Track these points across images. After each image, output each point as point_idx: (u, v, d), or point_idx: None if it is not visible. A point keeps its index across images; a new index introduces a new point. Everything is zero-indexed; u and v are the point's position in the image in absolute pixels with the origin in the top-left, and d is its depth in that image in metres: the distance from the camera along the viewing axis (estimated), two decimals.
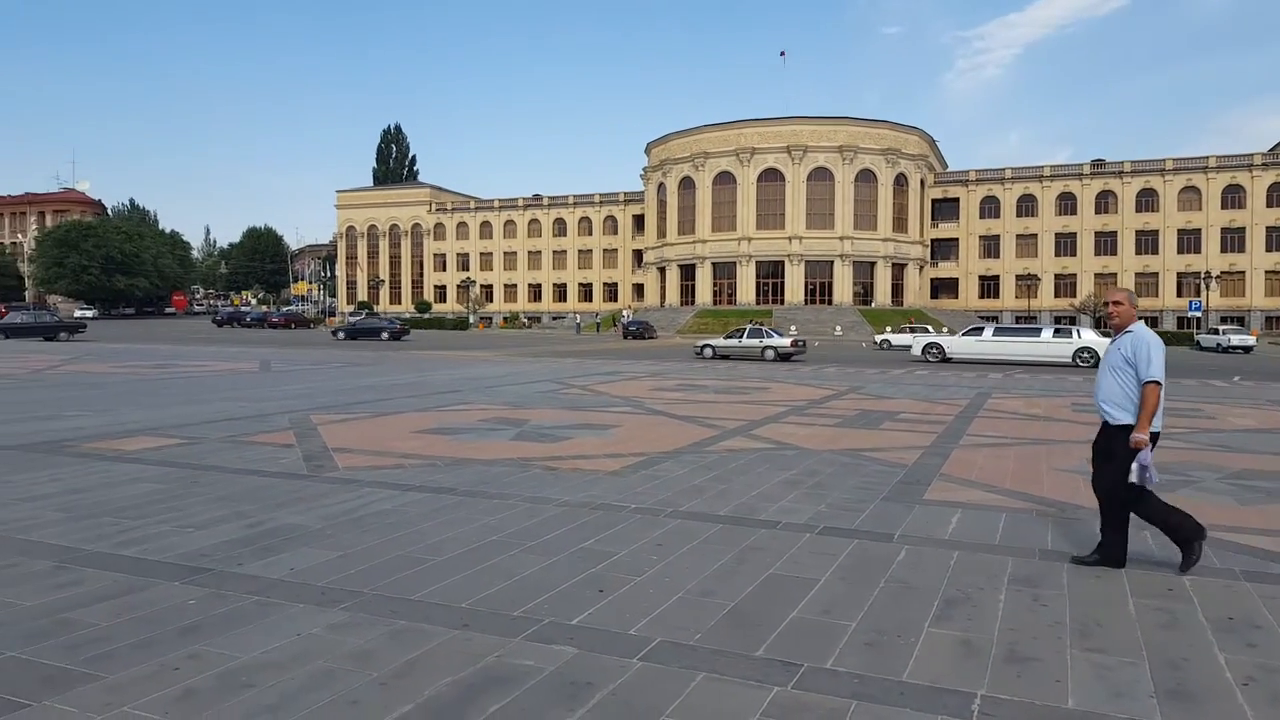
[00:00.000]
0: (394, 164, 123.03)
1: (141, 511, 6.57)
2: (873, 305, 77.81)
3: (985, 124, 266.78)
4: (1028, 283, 78.02)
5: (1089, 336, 30.71)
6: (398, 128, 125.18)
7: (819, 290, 79.36)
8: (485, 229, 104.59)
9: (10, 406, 13.79)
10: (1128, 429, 5.21)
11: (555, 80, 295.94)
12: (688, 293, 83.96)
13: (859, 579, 5.14)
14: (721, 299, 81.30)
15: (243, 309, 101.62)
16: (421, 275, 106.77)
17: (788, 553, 5.66)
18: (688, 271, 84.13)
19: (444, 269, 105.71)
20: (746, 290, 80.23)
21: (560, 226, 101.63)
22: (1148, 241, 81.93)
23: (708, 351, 34.76)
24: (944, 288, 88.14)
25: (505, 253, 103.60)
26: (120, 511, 6.57)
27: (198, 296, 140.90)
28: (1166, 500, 5.70)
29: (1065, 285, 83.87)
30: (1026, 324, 38.26)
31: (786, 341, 33.52)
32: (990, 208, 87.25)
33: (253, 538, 5.83)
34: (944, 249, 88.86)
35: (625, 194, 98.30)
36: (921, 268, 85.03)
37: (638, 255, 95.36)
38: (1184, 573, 5.26)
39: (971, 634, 4.29)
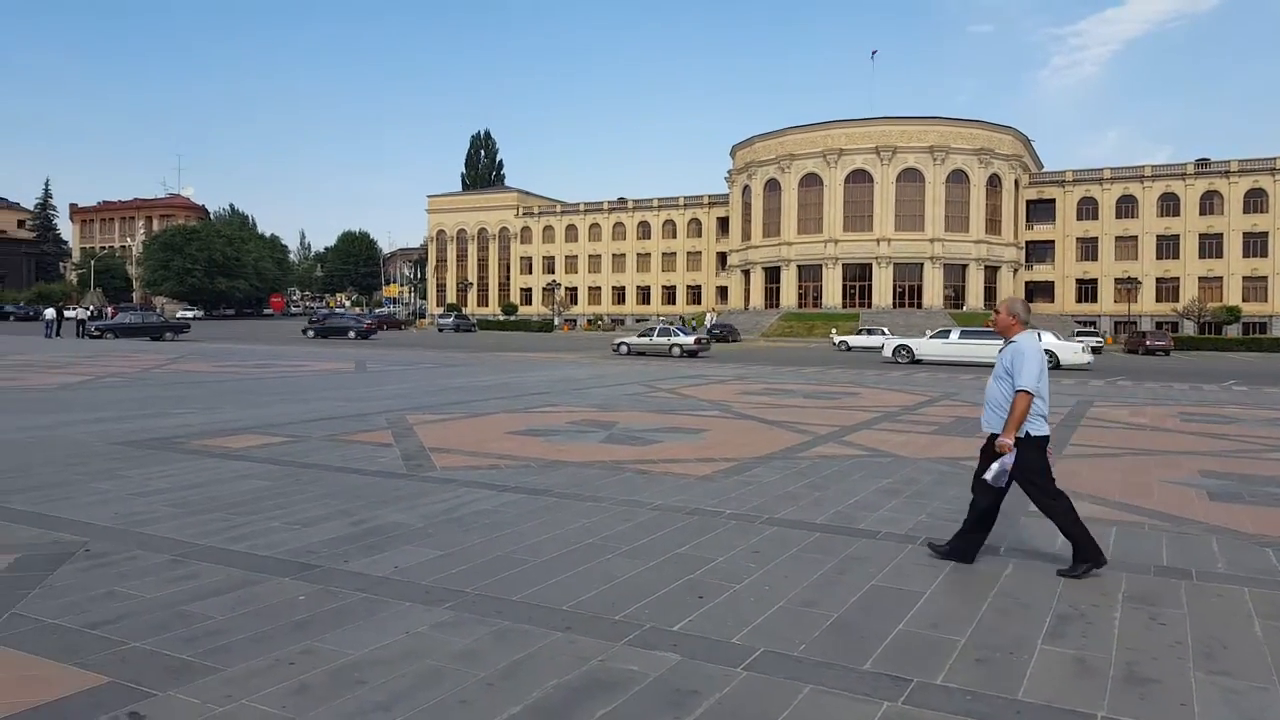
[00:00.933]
0: (483, 169, 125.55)
1: (251, 508, 6.81)
2: (964, 309, 75.72)
3: (1082, 123, 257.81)
4: (1127, 286, 74.77)
5: (1049, 340, 30.28)
6: (487, 133, 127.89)
7: (908, 293, 77.67)
8: (570, 232, 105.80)
9: (122, 404, 14.48)
10: (1029, 440, 5.32)
11: (641, 83, 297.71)
12: (772, 296, 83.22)
13: (966, 593, 4.98)
14: (807, 302, 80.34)
15: (337, 310, 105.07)
16: (509, 278, 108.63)
17: (890, 563, 5.53)
18: (772, 274, 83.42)
19: (530, 272, 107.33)
20: (832, 293, 79.08)
21: (644, 229, 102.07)
22: (1256, 244, 77.74)
23: (623, 348, 38.12)
24: (1039, 291, 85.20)
25: (590, 255, 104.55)
26: (231, 507, 6.82)
27: (294, 298, 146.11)
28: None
29: (1167, 289, 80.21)
30: (988, 328, 40.54)
31: (690, 340, 37.98)
32: (1088, 209, 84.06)
33: (357, 535, 5.97)
34: (1039, 251, 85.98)
35: (709, 196, 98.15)
36: (1016, 270, 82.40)
37: (721, 258, 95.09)
38: (1062, 574, 5.31)
39: (1087, 652, 4.12)
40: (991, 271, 79.68)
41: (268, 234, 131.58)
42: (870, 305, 76.71)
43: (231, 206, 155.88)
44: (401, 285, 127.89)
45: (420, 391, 17.53)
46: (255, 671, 3.71)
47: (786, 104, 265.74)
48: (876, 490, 7.89)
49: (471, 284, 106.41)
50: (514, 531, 6.13)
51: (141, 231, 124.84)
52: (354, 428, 11.64)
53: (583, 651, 3.97)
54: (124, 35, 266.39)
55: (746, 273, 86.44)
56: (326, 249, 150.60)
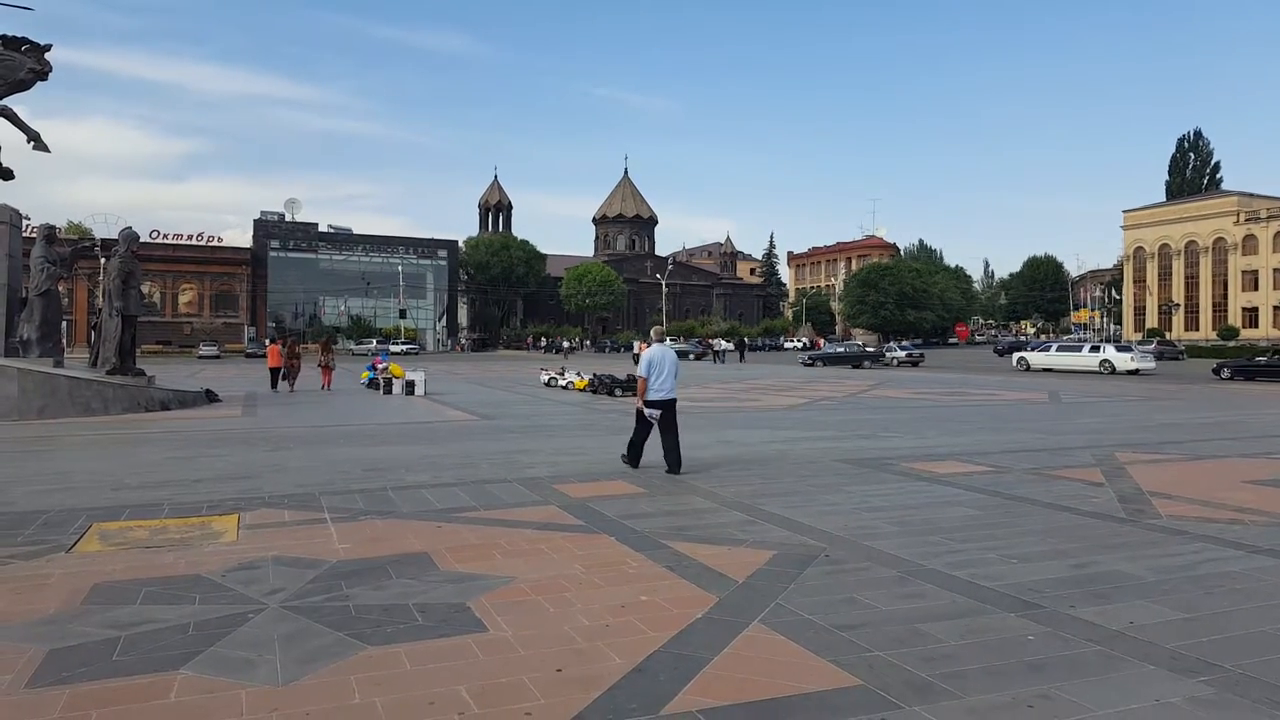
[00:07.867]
0: (1191, 174, 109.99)
1: (965, 535, 6.92)
2: None
3: None
4: None
5: (1109, 352, 40.93)
6: (1197, 133, 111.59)
7: None
8: None
9: (838, 425, 16.19)
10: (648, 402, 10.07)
11: None
12: None
13: None
14: None
15: (1021, 338, 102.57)
16: (1225, 297, 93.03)
17: None
18: None
19: (1254, 288, 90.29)
20: None
21: None
22: None
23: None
24: None
25: None
26: (946, 532, 7.03)
27: (977, 327, 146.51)
28: None
29: None
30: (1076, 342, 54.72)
31: (903, 354, 51.97)
32: None
33: (1080, 580, 5.62)
34: None
35: None
36: None
37: None
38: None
39: None
40: None
41: (953, 265, 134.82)
42: None
43: (920, 242, 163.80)
44: (1092, 310, 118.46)
45: (1124, 427, 16.00)
46: (995, 706, 3.69)
47: None
48: None
49: (1177, 305, 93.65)
50: (1275, 604, 5.12)
51: (842, 271, 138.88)
52: (1057, 462, 11.10)
53: None
54: (817, 104, 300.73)
55: None
56: (1011, 276, 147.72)
